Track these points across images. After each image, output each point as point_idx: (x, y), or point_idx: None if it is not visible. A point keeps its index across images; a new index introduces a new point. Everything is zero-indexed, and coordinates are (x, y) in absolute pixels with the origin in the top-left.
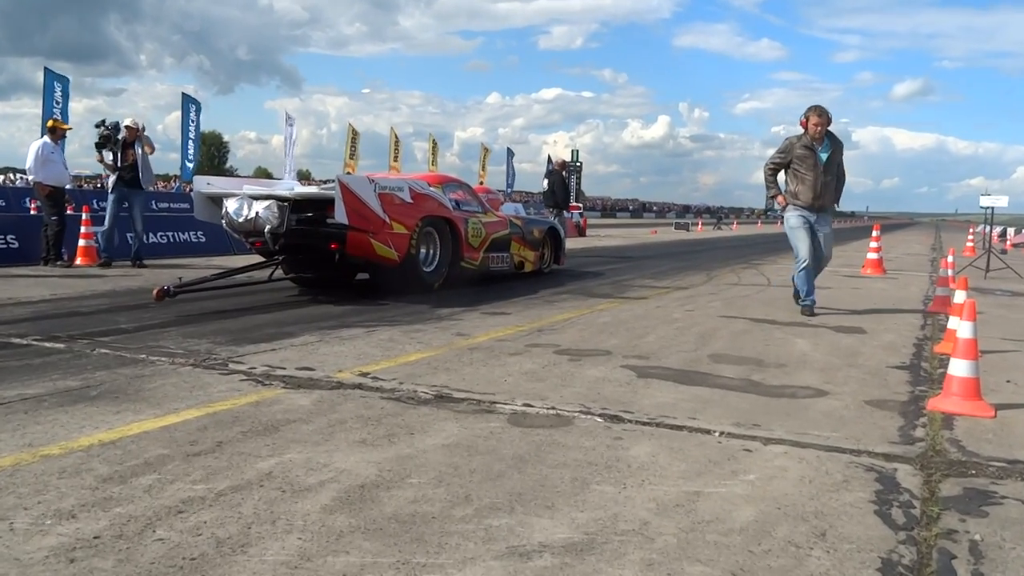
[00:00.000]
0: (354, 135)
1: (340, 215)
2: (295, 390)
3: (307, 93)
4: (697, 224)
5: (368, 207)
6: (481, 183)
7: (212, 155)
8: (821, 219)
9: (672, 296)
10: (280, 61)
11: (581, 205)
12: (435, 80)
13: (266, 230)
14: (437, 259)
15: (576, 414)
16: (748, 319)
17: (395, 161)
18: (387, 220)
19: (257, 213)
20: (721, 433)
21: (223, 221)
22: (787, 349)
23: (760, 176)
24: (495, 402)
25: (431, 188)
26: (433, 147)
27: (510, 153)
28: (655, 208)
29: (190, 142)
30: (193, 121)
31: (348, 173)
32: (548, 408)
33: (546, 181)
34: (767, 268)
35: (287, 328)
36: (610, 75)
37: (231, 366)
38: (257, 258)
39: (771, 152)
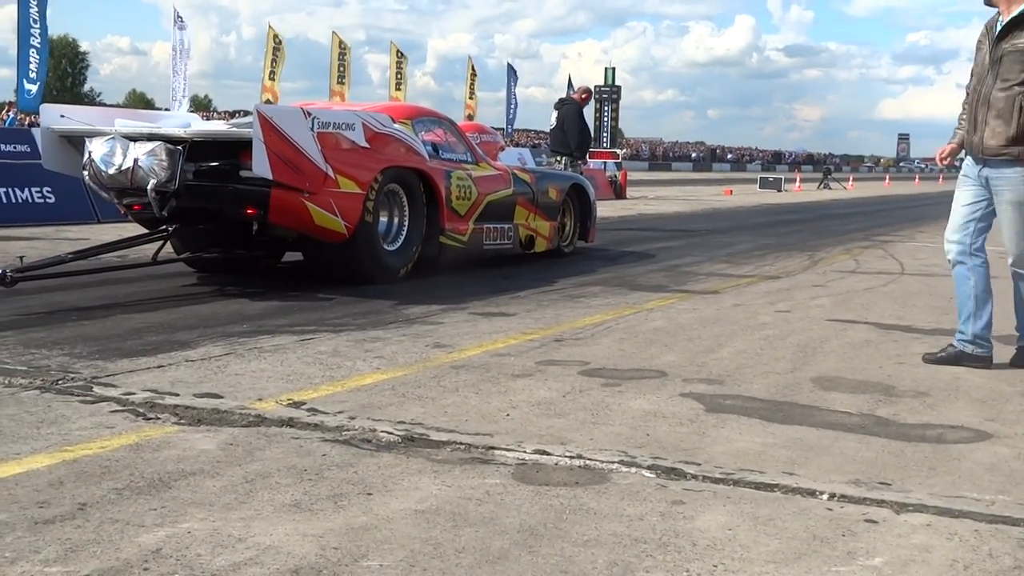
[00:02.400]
0: (276, 44)
1: (260, 166)
2: (194, 427)
3: None
4: (794, 181)
5: (302, 154)
6: (469, 117)
7: (64, 72)
8: (993, 172)
9: (757, 289)
10: None
11: (619, 152)
12: None
13: (149, 186)
14: (405, 232)
15: (615, 466)
16: (871, 324)
17: (339, 83)
18: (330, 174)
19: (136, 161)
20: (832, 496)
21: (84, 172)
22: (930, 369)
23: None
24: (492, 447)
25: (395, 125)
26: (398, 63)
27: (512, 73)
28: (731, 156)
29: (32, 52)
30: (36, 21)
31: (269, 102)
32: (572, 456)
33: (555, 114)
34: (899, 248)
35: (180, 335)
36: None
37: (97, 390)
38: (135, 228)
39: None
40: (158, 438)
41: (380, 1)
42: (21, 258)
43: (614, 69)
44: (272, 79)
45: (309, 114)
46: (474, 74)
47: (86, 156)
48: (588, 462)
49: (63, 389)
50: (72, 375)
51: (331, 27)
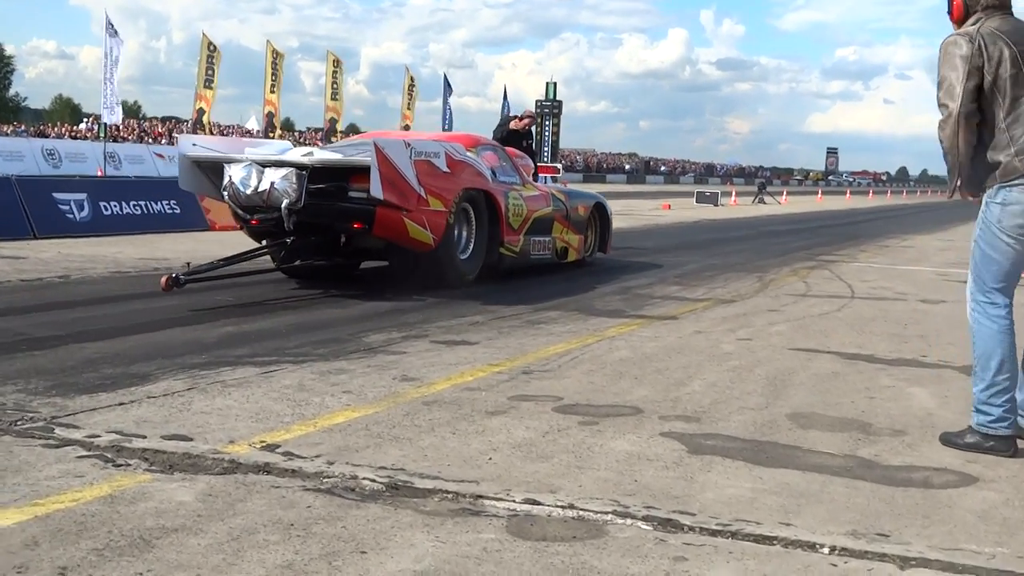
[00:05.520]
0: (211, 51)
1: (376, 188)
2: (167, 475)
3: None
4: (730, 195)
5: (403, 178)
6: (406, 127)
7: None
8: None
9: (714, 314)
10: None
11: (559, 166)
12: None
13: (283, 205)
14: (473, 243)
15: (609, 516)
16: (834, 354)
17: (272, 92)
18: (422, 194)
19: (272, 184)
20: (833, 549)
21: (224, 193)
22: (902, 404)
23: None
24: (480, 496)
25: (468, 153)
26: (334, 71)
27: (447, 84)
28: (664, 168)
29: None
30: None
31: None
32: (564, 506)
33: (497, 132)
34: (844, 268)
35: (137, 366)
36: None
37: (60, 432)
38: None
39: (947, 77)
40: (132, 488)
41: (314, 9)
42: (188, 263)
43: (555, 84)
44: (209, 87)
45: (409, 145)
46: (412, 84)
47: (226, 179)
48: (581, 512)
49: (23, 431)
50: (31, 414)
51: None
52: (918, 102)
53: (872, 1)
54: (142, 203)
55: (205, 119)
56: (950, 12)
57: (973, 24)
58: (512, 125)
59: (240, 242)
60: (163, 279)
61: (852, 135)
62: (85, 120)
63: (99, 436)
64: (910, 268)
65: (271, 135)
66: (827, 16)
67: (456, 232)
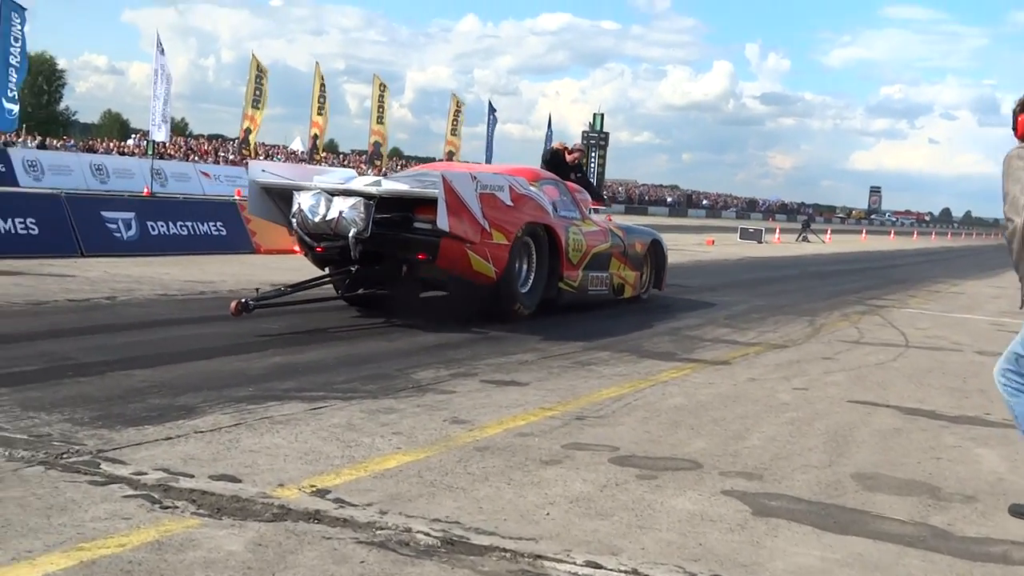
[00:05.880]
0: (259, 72)
1: (442, 220)
2: (215, 520)
3: (188, 2)
4: (774, 232)
5: (469, 210)
6: (450, 154)
7: (40, 89)
8: None
9: (767, 360)
10: None
11: (605, 197)
12: None
13: (351, 234)
14: (533, 277)
15: None
16: (894, 408)
17: (319, 114)
18: (486, 227)
19: (340, 213)
20: None
21: (293, 220)
22: (971, 467)
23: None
24: (540, 556)
25: (531, 187)
26: (380, 95)
27: (492, 109)
28: (706, 201)
29: (10, 70)
30: (16, 39)
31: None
32: (628, 571)
33: (546, 163)
34: (895, 314)
35: (184, 397)
36: None
37: (106, 468)
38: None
39: (1011, 190)
40: (180, 534)
41: (361, 32)
42: (257, 289)
43: (603, 115)
44: (256, 107)
45: (475, 178)
46: (459, 110)
47: (295, 207)
48: None
49: (69, 465)
50: (76, 447)
51: (311, 55)
52: (963, 142)
53: (919, 40)
54: (189, 224)
55: (251, 138)
56: (1015, 129)
57: None
58: (567, 159)
59: (286, 266)
60: (233, 304)
61: (895, 174)
62: (133, 136)
63: (146, 473)
64: (963, 316)
65: (316, 157)
66: (873, 54)
67: (517, 266)
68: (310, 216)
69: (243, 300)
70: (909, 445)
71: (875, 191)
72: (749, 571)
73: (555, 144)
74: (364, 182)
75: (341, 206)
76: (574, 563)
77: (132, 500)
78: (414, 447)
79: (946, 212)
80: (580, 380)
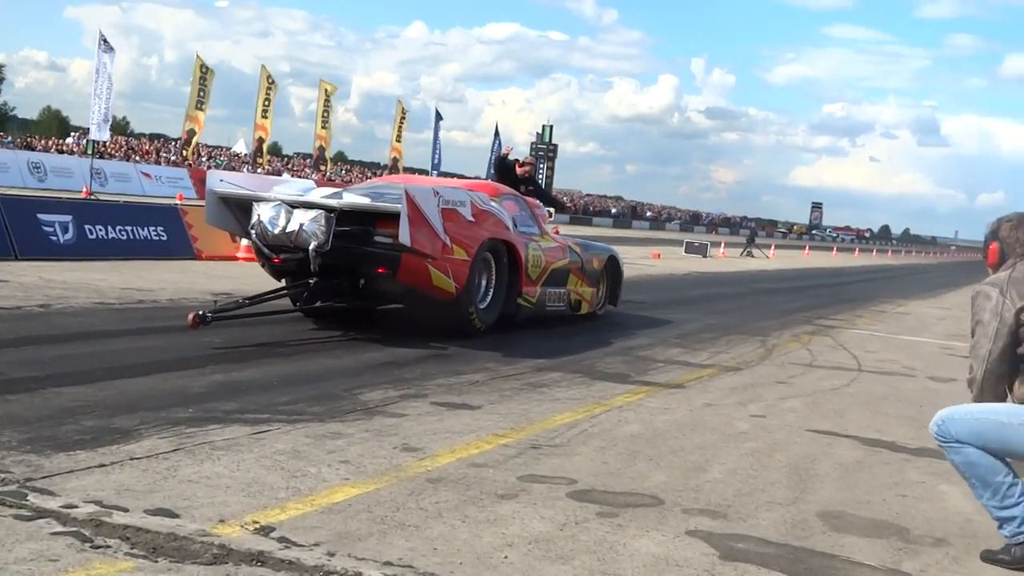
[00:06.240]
0: (203, 73)
1: (404, 235)
2: (151, 563)
3: (132, 0)
4: (719, 246)
5: (431, 225)
6: (395, 160)
7: None
8: None
9: (721, 383)
10: None
11: (549, 212)
12: None
13: (311, 247)
14: (492, 293)
15: None
16: (853, 438)
17: (264, 116)
18: (447, 242)
19: (301, 226)
20: None
21: (253, 232)
22: (937, 505)
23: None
24: None
25: (492, 203)
26: (326, 98)
27: (438, 116)
28: (650, 213)
29: None
30: None
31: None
32: None
33: (496, 174)
34: (845, 336)
35: (119, 418)
36: (592, 9)
37: (33, 499)
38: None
39: (976, 331)
40: None
41: (307, 36)
42: (215, 301)
43: (551, 127)
44: (200, 108)
45: (437, 193)
46: (404, 117)
47: (255, 218)
48: None
49: None
50: (2, 475)
51: (256, 57)
52: (903, 161)
53: (862, 60)
54: (128, 228)
55: (194, 140)
56: (985, 256)
57: (1005, 270)
58: (517, 171)
59: (227, 274)
60: (190, 316)
61: (836, 190)
62: (73, 134)
63: (77, 507)
64: (912, 338)
65: (259, 160)
66: (816, 71)
67: (477, 281)
68: (270, 228)
69: (200, 312)
70: (873, 480)
71: (816, 207)
72: None
73: (504, 150)
74: (324, 194)
75: (302, 218)
76: None
77: (61, 538)
78: (363, 478)
79: (885, 229)
80: (533, 404)
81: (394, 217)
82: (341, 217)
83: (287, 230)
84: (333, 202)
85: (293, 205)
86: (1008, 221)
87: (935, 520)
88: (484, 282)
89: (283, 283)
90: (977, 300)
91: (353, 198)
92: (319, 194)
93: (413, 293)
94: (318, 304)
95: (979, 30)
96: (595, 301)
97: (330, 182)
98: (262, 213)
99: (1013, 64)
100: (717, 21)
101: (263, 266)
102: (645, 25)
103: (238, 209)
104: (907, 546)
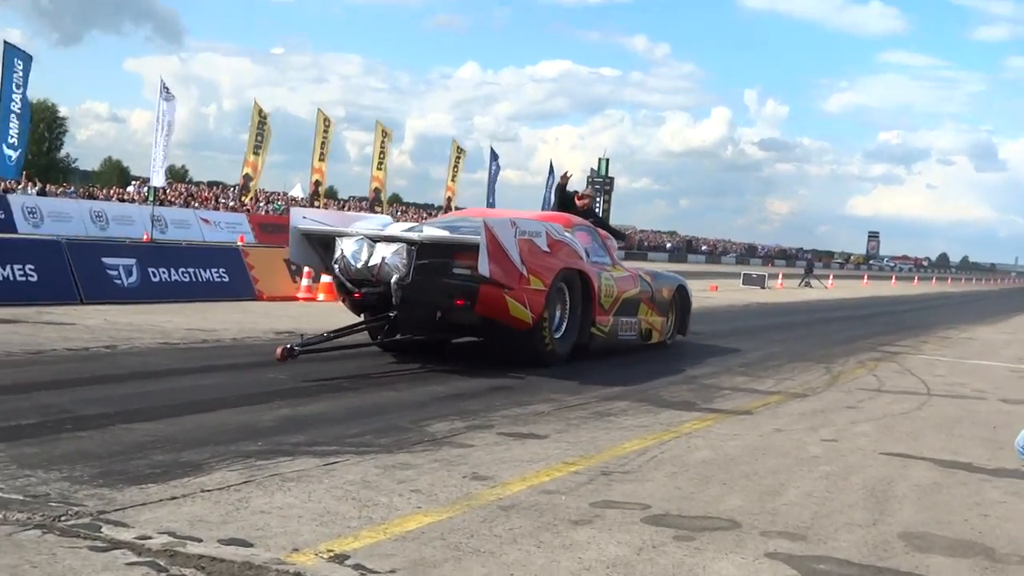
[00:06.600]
0: (262, 119)
1: (483, 266)
2: None
3: (190, 51)
4: (776, 277)
5: (508, 256)
6: (449, 200)
7: (41, 136)
8: None
9: (790, 410)
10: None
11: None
12: (382, 41)
13: (393, 280)
14: (566, 322)
15: None
16: (929, 460)
17: (320, 160)
18: (524, 273)
19: (383, 259)
20: None
21: (336, 266)
22: (1020, 524)
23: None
24: None
25: (566, 233)
26: (382, 140)
27: (494, 156)
28: (704, 247)
29: (12, 117)
30: (19, 86)
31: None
32: None
33: (554, 199)
34: (912, 361)
35: (188, 452)
36: (644, 44)
37: (107, 531)
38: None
39: None
40: None
41: (362, 80)
42: (302, 335)
43: (608, 160)
44: (256, 154)
45: (515, 224)
46: (460, 156)
47: (338, 252)
48: None
49: (67, 529)
50: (75, 507)
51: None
52: (960, 187)
53: (916, 86)
54: (191, 270)
55: (252, 185)
56: None
57: None
58: (577, 204)
59: (288, 313)
60: (279, 350)
61: (893, 219)
62: (133, 183)
63: (151, 538)
64: (980, 363)
65: (316, 202)
66: (871, 99)
67: (552, 310)
68: (353, 262)
69: (288, 346)
70: (952, 501)
71: (873, 236)
72: None
73: (562, 177)
74: (404, 228)
75: (384, 252)
76: None
77: (136, 568)
78: (435, 506)
79: (943, 257)
80: (601, 432)
81: (472, 249)
82: (421, 250)
83: (369, 264)
84: (414, 236)
85: (375, 239)
86: None
87: (1019, 538)
88: (559, 312)
89: (362, 317)
90: None
91: (433, 231)
92: (399, 228)
93: (490, 324)
94: (398, 337)
95: None
96: (665, 330)
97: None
98: (345, 248)
99: None
100: (769, 51)
101: (343, 301)
102: (697, 58)
103: (320, 245)
104: (993, 565)
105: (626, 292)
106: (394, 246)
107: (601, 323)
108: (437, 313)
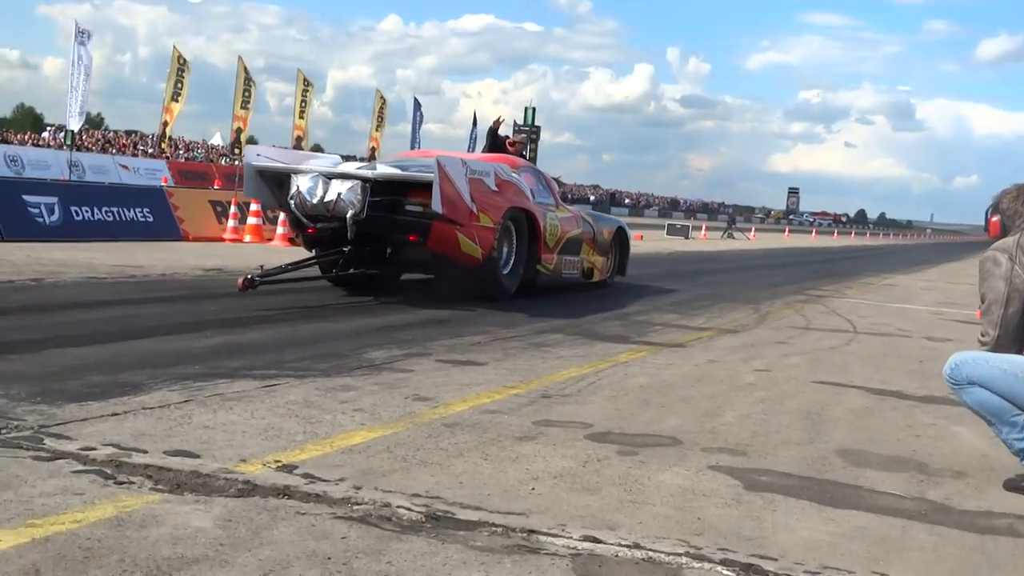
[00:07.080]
0: (181, 65)
1: (437, 203)
2: (177, 496)
3: None
4: (700, 229)
5: (460, 194)
6: (372, 150)
7: None
8: None
9: (722, 343)
10: None
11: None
12: None
13: (348, 215)
14: (513, 260)
15: (683, 559)
16: (860, 388)
17: (243, 108)
18: (474, 210)
19: (339, 195)
20: None
21: (292, 202)
22: (951, 444)
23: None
24: (533, 531)
25: (513, 174)
26: (303, 91)
27: (417, 105)
28: (628, 200)
29: None
30: None
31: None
32: (630, 545)
33: (485, 142)
34: (836, 304)
35: (126, 374)
36: (567, 0)
37: (50, 443)
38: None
39: (986, 297)
40: (140, 510)
41: (282, 31)
42: (261, 266)
43: (534, 109)
44: (176, 100)
45: (465, 163)
46: (383, 107)
47: (294, 188)
48: (651, 553)
49: (9, 441)
50: (16, 422)
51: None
52: (878, 146)
53: (836, 46)
54: (114, 210)
55: (167, 130)
56: (987, 229)
57: (1013, 235)
58: (509, 148)
59: (216, 252)
60: (240, 280)
61: (812, 176)
62: (48, 128)
63: (95, 449)
64: (903, 306)
65: (237, 151)
66: (792, 58)
67: (500, 248)
68: (308, 198)
69: (249, 276)
70: (885, 424)
71: (793, 192)
72: (756, 545)
73: (493, 123)
74: (358, 166)
75: (339, 188)
76: (571, 538)
77: (83, 475)
78: (379, 423)
79: (861, 213)
80: (538, 360)
81: (425, 187)
82: (375, 187)
83: (325, 200)
84: (368, 173)
85: (330, 176)
86: (1008, 193)
87: (952, 456)
88: (507, 249)
89: (314, 252)
90: (986, 265)
91: (387, 169)
92: (353, 166)
93: (440, 260)
94: (351, 271)
95: (953, 15)
96: (606, 270)
97: None
98: (301, 184)
99: (987, 49)
100: (692, 9)
101: (296, 236)
102: (620, 14)
103: (273, 182)
104: (928, 478)
105: (569, 232)
106: (349, 183)
107: (546, 261)
108: (388, 249)
